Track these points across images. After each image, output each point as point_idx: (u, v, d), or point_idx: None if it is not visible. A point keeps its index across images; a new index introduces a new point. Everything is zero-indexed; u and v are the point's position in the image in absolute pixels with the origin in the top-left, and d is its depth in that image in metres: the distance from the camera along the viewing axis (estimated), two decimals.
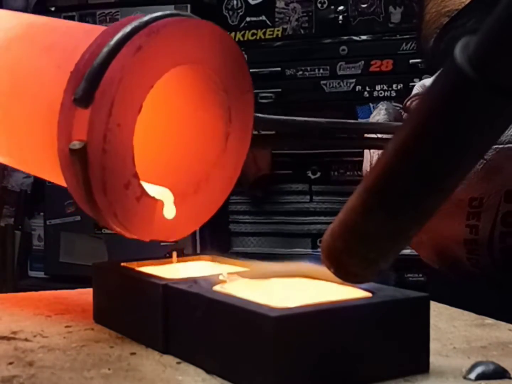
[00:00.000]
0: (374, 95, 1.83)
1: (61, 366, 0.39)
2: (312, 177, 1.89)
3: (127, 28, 0.44)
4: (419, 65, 1.75)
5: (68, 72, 0.44)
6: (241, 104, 0.49)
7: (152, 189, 0.46)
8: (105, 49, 0.43)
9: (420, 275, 1.75)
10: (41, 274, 2.22)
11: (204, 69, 0.47)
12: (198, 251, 1.90)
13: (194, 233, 1.94)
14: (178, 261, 0.50)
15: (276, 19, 1.94)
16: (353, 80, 1.86)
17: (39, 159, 0.51)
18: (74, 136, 0.43)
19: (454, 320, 0.50)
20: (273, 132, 0.55)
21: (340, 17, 1.87)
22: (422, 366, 0.39)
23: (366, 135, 0.60)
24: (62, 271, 2.11)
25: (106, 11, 2.10)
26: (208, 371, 0.38)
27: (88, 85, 0.42)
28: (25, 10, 2.28)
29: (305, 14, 1.92)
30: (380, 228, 0.30)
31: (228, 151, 0.50)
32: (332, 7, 1.89)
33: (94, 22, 2.06)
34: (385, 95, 1.81)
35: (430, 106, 0.28)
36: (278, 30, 1.94)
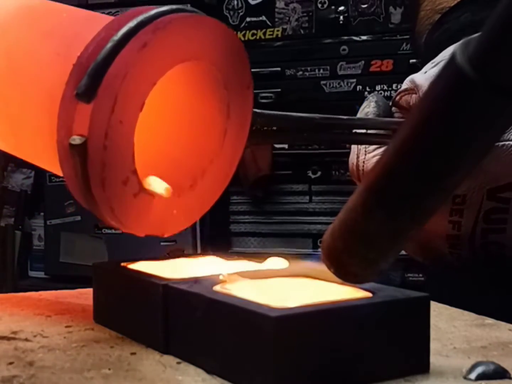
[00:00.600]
0: None
1: (61, 366, 0.39)
2: (313, 177, 1.89)
3: (133, 23, 0.43)
4: (419, 65, 1.75)
5: (67, 60, 0.43)
6: (240, 100, 0.49)
7: (155, 182, 0.46)
8: (110, 44, 0.42)
9: (420, 275, 1.75)
10: (41, 274, 2.22)
11: (207, 65, 0.47)
12: (199, 251, 1.90)
13: (194, 233, 1.94)
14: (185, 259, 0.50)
15: (276, 19, 1.94)
16: (354, 80, 1.86)
17: (35, 146, 0.50)
18: (75, 130, 0.42)
19: (454, 320, 0.50)
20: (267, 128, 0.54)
21: (341, 17, 1.87)
22: (422, 366, 0.39)
23: (355, 130, 0.60)
24: (62, 271, 2.10)
25: (106, 11, 2.09)
26: (208, 371, 0.38)
27: (91, 80, 0.42)
28: None
29: (305, 14, 1.92)
30: (380, 228, 0.30)
31: (225, 148, 0.49)
32: (333, 7, 1.89)
33: None
34: (385, 95, 1.81)
35: (430, 106, 0.28)
36: (278, 30, 1.94)
